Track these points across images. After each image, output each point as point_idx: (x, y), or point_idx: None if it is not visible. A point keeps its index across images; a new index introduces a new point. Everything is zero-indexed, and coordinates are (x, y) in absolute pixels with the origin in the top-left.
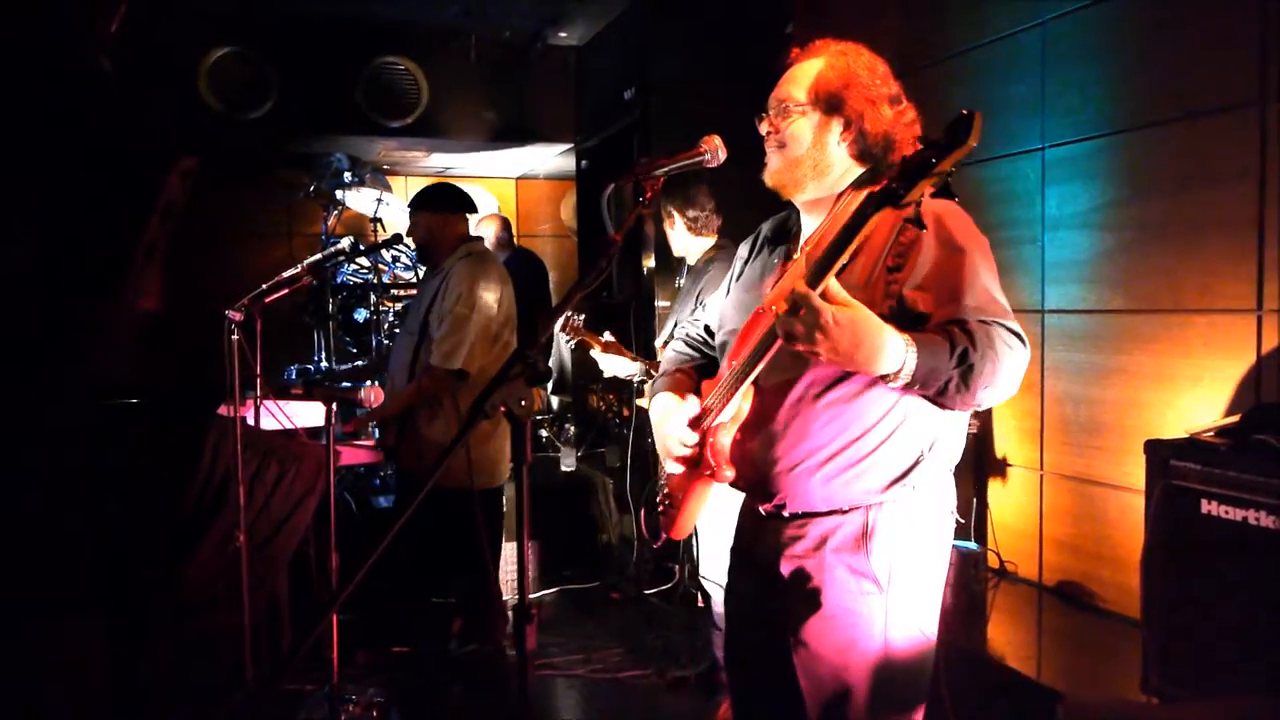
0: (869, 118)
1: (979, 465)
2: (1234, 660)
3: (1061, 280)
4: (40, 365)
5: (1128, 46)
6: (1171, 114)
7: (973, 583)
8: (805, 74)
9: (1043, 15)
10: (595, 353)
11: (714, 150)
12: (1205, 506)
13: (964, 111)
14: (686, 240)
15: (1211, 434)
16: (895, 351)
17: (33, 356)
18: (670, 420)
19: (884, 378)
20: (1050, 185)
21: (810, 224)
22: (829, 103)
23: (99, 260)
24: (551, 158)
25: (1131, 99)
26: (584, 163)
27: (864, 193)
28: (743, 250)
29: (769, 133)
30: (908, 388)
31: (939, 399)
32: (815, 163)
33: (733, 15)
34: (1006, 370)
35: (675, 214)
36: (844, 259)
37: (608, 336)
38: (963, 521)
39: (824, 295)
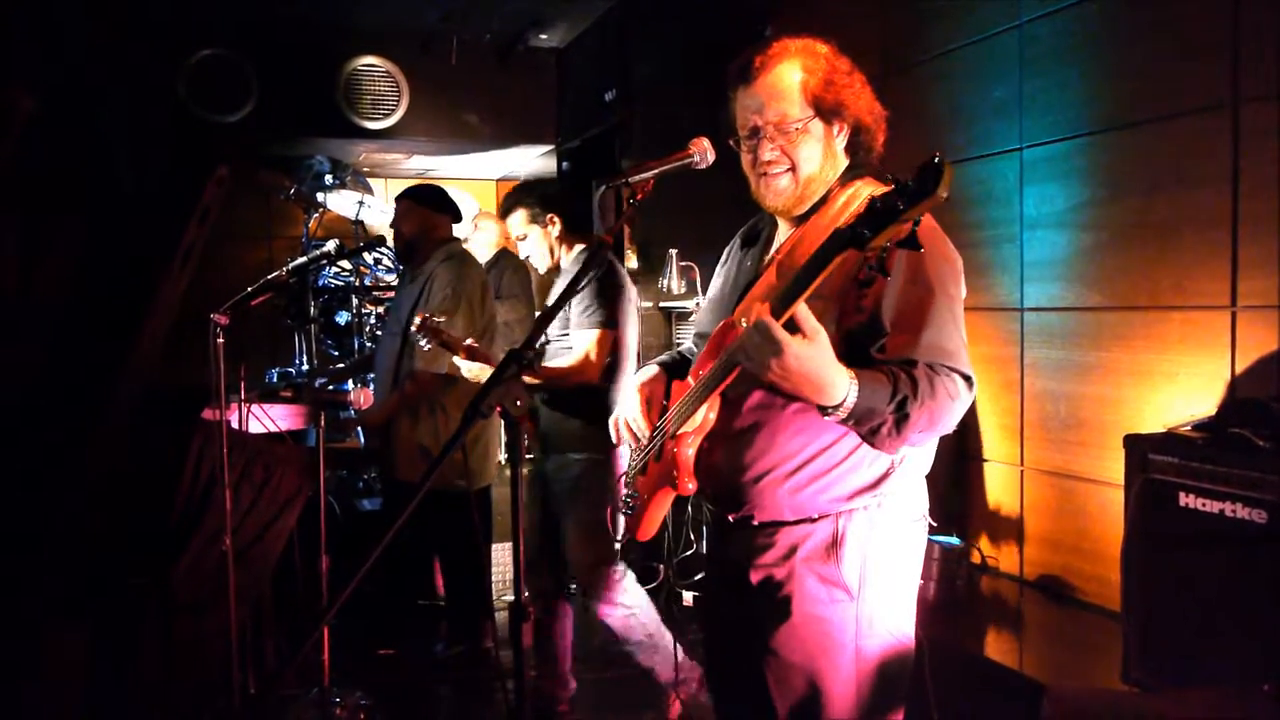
0: (864, 113)
1: (960, 461)
2: (1212, 650)
3: (1040, 279)
4: (85, 369)
5: (1104, 49)
6: (1147, 115)
7: (955, 578)
8: (787, 84)
9: (1020, 17)
10: (457, 359)
11: (703, 152)
12: (1183, 499)
13: (935, 159)
14: (557, 246)
15: (1189, 428)
16: (839, 387)
17: (78, 364)
18: (629, 401)
19: (823, 409)
20: (1028, 185)
21: (785, 229)
22: (830, 110)
23: (139, 264)
24: (533, 159)
25: (1108, 100)
26: (565, 164)
27: (837, 223)
28: (725, 254)
29: (776, 156)
30: (843, 422)
31: (870, 438)
32: (825, 176)
33: (713, 17)
34: (943, 419)
35: (556, 220)
36: (809, 292)
37: (469, 342)
38: (935, 525)
39: (791, 320)
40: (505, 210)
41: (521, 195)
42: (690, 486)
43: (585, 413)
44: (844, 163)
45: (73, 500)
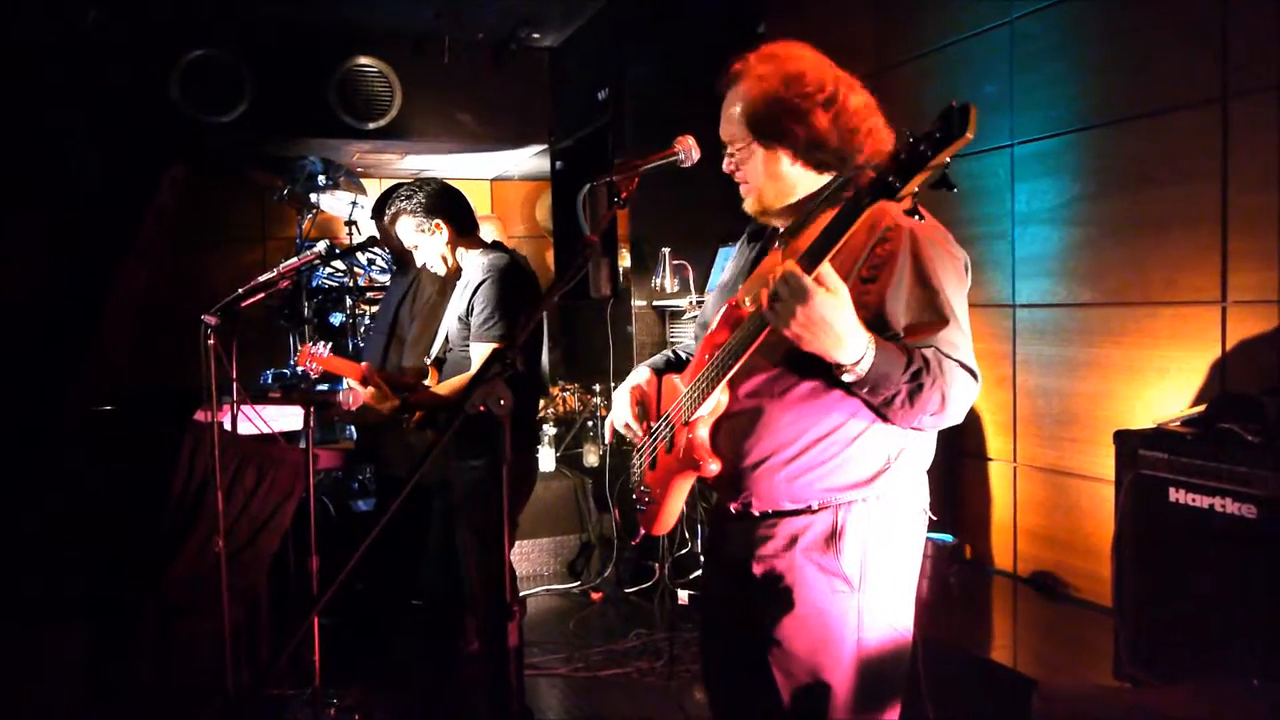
0: (807, 133)
1: (953, 458)
2: (1203, 645)
3: (1032, 275)
4: (41, 372)
5: (1094, 44)
6: (1137, 110)
7: (948, 574)
8: (734, 107)
9: (1010, 14)
10: (350, 382)
11: (687, 150)
12: (1173, 495)
13: (954, 103)
14: (450, 252)
15: (1178, 424)
16: (857, 345)
17: (39, 361)
18: (621, 401)
19: (840, 368)
20: (1020, 181)
21: (785, 219)
22: (765, 133)
23: (96, 264)
24: (526, 159)
25: (1098, 95)
26: (559, 163)
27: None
28: (729, 250)
29: (733, 171)
30: (859, 385)
31: (884, 408)
32: (777, 190)
33: (706, 15)
34: (954, 403)
35: (443, 226)
36: (837, 247)
37: (364, 365)
38: (935, 519)
39: (817, 279)
40: (391, 219)
41: (403, 202)
42: (714, 468)
43: (487, 419)
44: (803, 175)
45: (50, 497)
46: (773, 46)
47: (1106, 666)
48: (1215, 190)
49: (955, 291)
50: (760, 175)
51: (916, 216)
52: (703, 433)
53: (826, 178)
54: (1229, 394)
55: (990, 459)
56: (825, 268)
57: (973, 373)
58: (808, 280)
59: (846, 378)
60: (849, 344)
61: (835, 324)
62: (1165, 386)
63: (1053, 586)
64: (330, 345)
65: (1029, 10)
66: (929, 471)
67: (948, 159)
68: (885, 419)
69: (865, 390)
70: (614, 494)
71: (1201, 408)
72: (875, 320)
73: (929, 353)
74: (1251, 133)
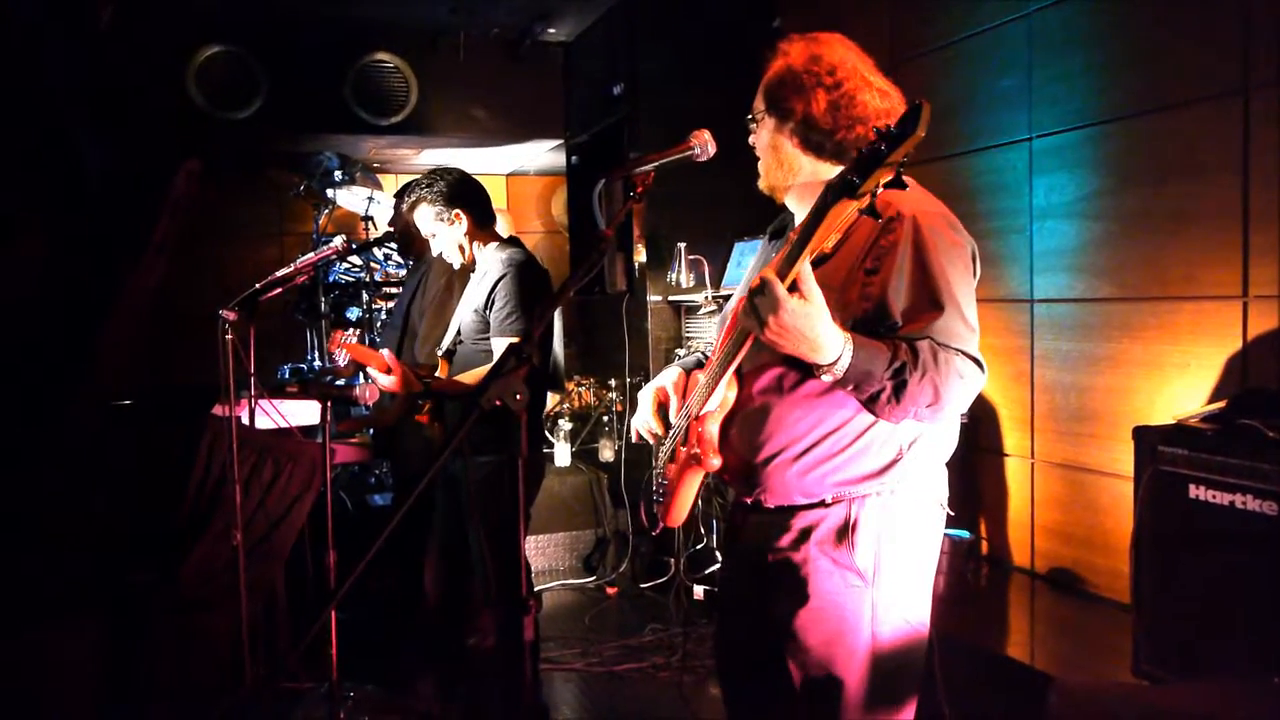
0: (800, 110)
1: (970, 454)
2: (1223, 642)
3: (1050, 269)
4: (52, 366)
5: (1113, 37)
6: (1157, 103)
7: (965, 570)
8: (763, 79)
9: (1028, 7)
10: (373, 371)
11: (703, 145)
12: (1193, 491)
13: (916, 103)
14: (467, 243)
15: (1198, 419)
16: (833, 347)
17: (44, 359)
18: (644, 402)
19: (818, 369)
20: (1038, 175)
21: (800, 214)
22: (773, 104)
23: (110, 259)
24: (542, 154)
25: (1117, 89)
26: (574, 158)
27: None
28: (745, 245)
29: (752, 146)
30: (841, 385)
31: (871, 405)
32: (780, 164)
33: (720, 9)
34: (950, 395)
35: (462, 216)
36: (810, 247)
37: (387, 354)
38: (953, 514)
39: (794, 281)
40: (410, 207)
41: (423, 190)
42: (715, 463)
43: (498, 414)
44: (800, 155)
45: (58, 493)
46: (817, 33)
47: (1124, 664)
48: (1236, 184)
49: (957, 278)
50: (765, 148)
51: (900, 186)
52: (711, 427)
53: (830, 167)
54: (1250, 390)
55: (1008, 455)
56: (804, 271)
57: (977, 361)
58: (779, 290)
59: (826, 378)
60: (824, 347)
61: (806, 331)
62: (1185, 382)
63: (1070, 583)
64: (357, 335)
65: (1047, 4)
66: (947, 465)
67: (904, 157)
68: (875, 415)
69: (850, 389)
70: (629, 489)
71: (1222, 403)
72: (878, 311)
73: (922, 344)
74: (1272, 126)
